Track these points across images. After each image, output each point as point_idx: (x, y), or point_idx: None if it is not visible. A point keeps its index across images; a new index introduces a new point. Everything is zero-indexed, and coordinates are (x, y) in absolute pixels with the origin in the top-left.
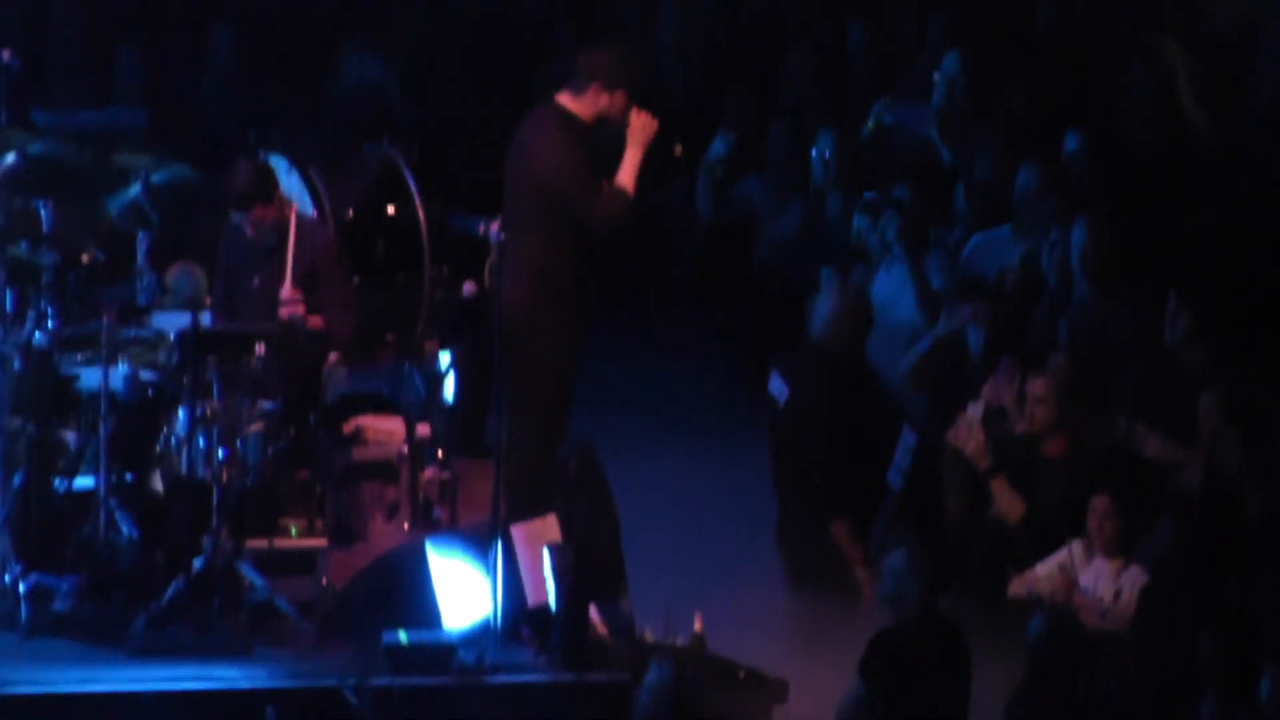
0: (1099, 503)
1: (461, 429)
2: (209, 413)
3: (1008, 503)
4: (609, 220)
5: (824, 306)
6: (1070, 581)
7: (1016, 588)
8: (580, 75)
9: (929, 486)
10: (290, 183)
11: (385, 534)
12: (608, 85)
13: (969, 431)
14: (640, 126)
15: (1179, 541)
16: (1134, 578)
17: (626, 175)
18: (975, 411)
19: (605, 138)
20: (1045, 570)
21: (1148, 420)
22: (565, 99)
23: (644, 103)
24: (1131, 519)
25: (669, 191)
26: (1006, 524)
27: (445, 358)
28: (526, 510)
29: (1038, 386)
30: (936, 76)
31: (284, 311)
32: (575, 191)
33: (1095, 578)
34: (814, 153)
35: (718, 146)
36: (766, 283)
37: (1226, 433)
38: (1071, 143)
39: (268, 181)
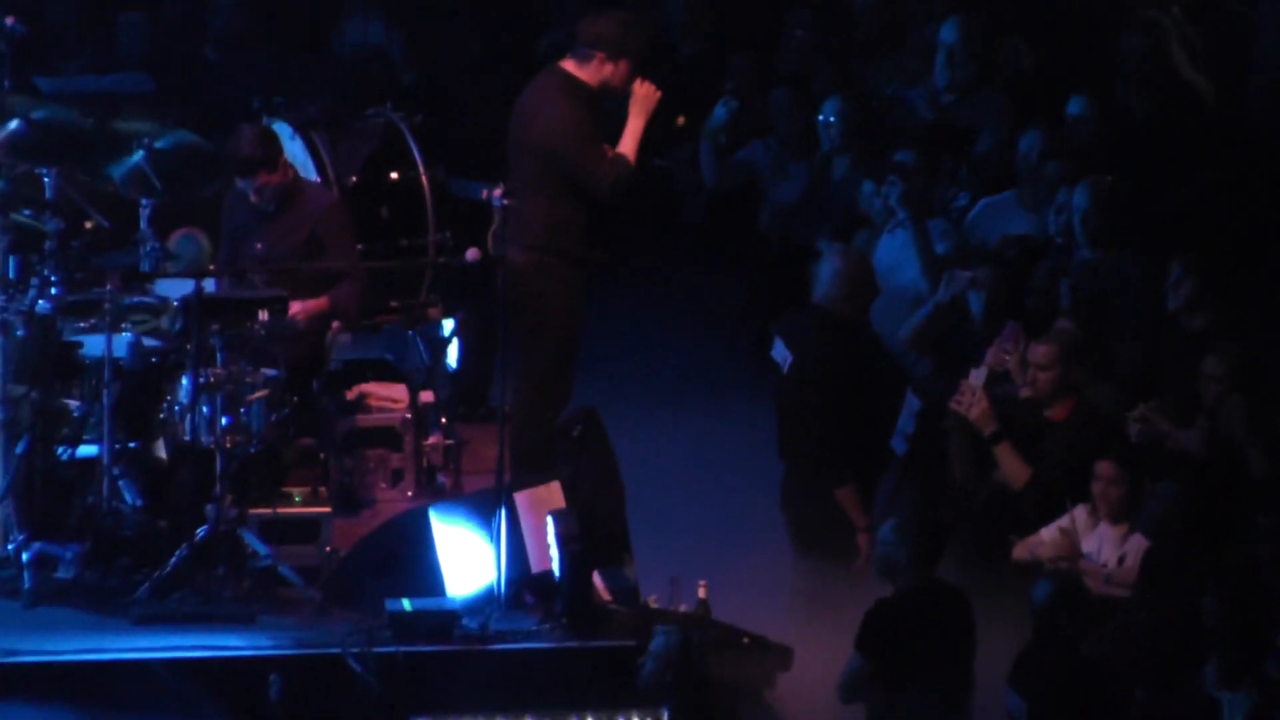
0: (1104, 468)
1: (465, 395)
2: (212, 379)
3: (1012, 468)
4: (611, 186)
5: (827, 272)
6: (1073, 545)
7: (1020, 552)
8: (584, 45)
9: (933, 452)
10: (294, 148)
11: (389, 501)
12: (611, 56)
13: (972, 397)
14: (643, 96)
15: (1182, 506)
16: (1138, 543)
17: (628, 144)
18: (978, 377)
19: (609, 104)
20: (1049, 535)
21: (1148, 387)
22: (570, 66)
23: (648, 70)
24: (1136, 484)
25: (673, 157)
26: (1011, 489)
27: (449, 323)
28: (530, 476)
29: (1040, 353)
30: (942, 34)
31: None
32: (578, 156)
33: (1099, 543)
34: (820, 118)
35: (720, 113)
36: (770, 248)
37: (1229, 397)
38: (1075, 106)
39: (271, 147)
